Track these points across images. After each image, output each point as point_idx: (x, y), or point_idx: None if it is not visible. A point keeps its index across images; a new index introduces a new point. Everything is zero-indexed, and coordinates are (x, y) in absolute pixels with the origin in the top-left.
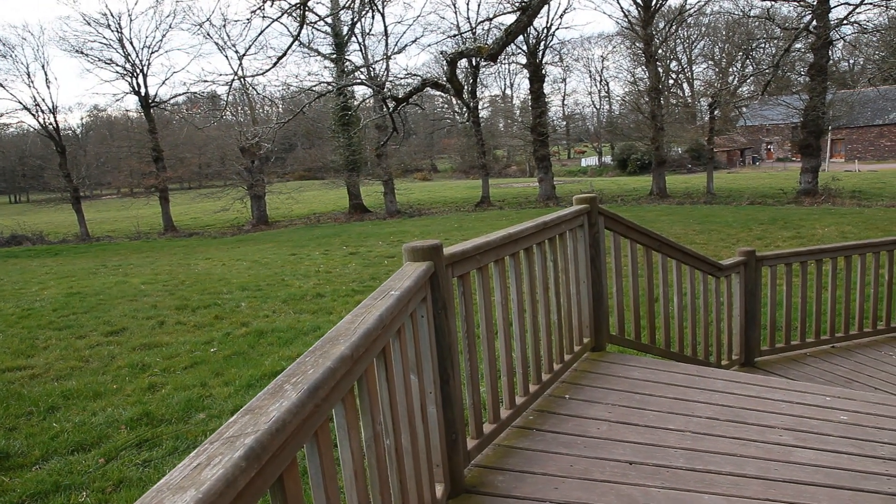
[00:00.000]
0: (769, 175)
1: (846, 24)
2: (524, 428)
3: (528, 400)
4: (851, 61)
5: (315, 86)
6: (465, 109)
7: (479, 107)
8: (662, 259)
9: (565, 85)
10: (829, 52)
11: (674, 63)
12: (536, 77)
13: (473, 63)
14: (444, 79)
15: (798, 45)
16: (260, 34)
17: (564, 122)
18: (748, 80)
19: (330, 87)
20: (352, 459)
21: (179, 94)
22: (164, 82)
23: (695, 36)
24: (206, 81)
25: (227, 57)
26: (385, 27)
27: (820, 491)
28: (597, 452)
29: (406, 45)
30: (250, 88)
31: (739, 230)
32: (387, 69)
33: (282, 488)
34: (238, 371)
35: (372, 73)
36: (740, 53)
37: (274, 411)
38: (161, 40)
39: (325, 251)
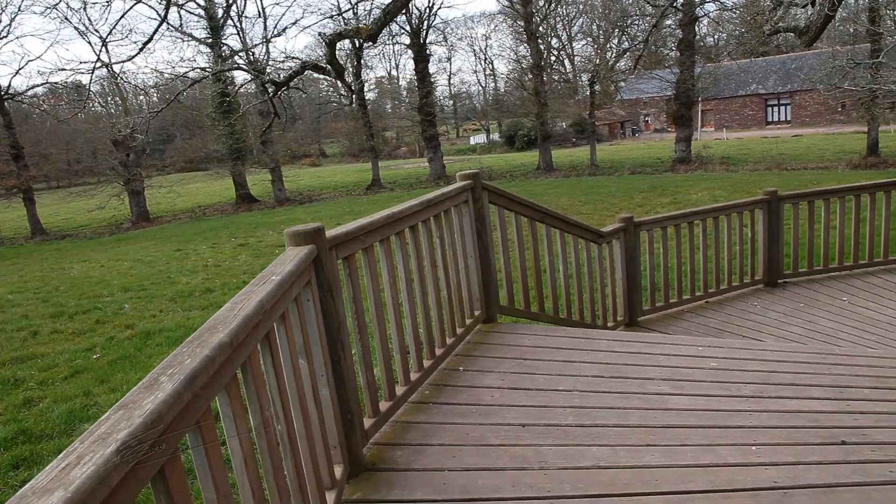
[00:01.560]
0: (648, 145)
1: (709, 1)
2: (421, 402)
3: (422, 375)
4: (716, 37)
5: (189, 72)
6: (349, 92)
7: (365, 89)
8: (547, 230)
9: (450, 64)
10: (696, 28)
11: (554, 40)
12: (421, 57)
13: (356, 44)
14: (325, 61)
15: (668, 22)
16: (122, 16)
17: (451, 102)
18: (625, 56)
19: (206, 73)
20: (240, 448)
21: (38, 85)
22: (17, 72)
23: (573, 13)
24: (65, 70)
25: (89, 42)
26: (262, 9)
27: (693, 432)
28: (491, 419)
29: (286, 28)
30: (119, 76)
31: (622, 199)
32: (266, 53)
33: (164, 481)
34: (125, 376)
35: (251, 58)
36: (616, 30)
37: (149, 404)
38: (9, 25)
39: (213, 244)
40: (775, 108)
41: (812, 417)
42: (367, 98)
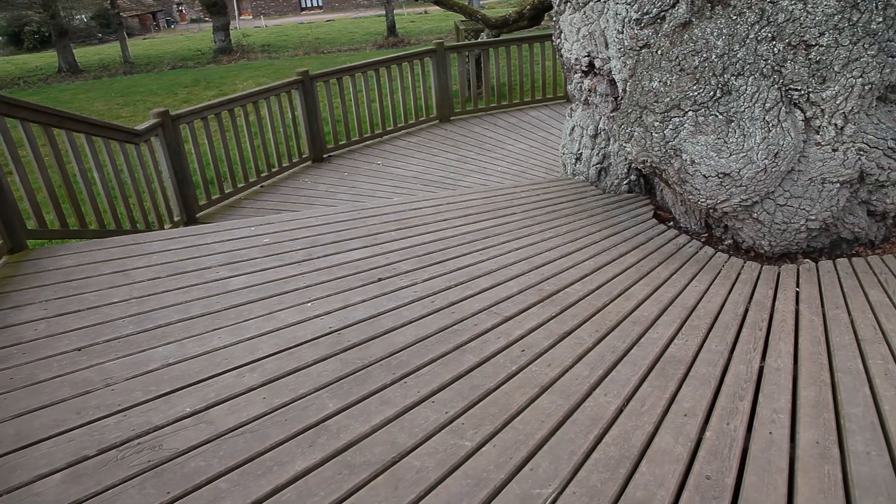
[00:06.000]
0: (186, 37)
1: None
2: None
3: None
4: None
5: None
6: None
7: None
8: (68, 136)
9: None
10: None
11: None
12: None
13: None
14: None
15: None
16: None
17: None
18: None
19: None
20: None
21: None
22: None
23: None
24: None
25: None
26: None
27: (255, 306)
28: (39, 353)
29: None
30: None
31: (165, 97)
32: None
33: None
34: None
35: None
36: None
37: None
38: None
39: None
40: None
41: (354, 265)
42: None
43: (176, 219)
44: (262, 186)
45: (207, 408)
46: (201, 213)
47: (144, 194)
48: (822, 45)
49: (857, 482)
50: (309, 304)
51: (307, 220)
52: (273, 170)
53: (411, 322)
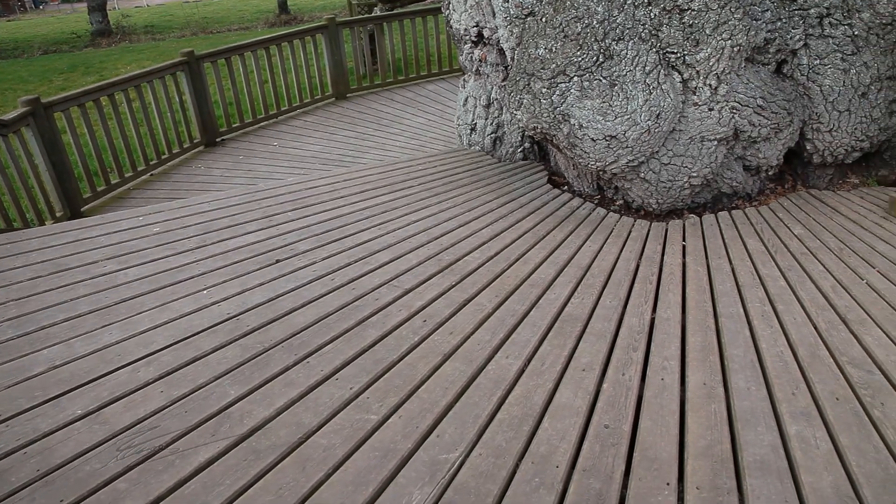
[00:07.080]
0: (57, 19)
1: None
2: None
3: None
4: None
5: None
6: None
7: None
8: None
9: None
10: None
11: None
12: None
13: None
14: None
15: None
16: None
17: None
18: None
19: None
20: None
21: None
22: None
23: None
24: None
25: None
26: None
27: (147, 298)
28: None
29: None
30: None
31: (39, 84)
32: None
33: None
34: None
35: None
36: None
37: None
38: None
39: None
40: None
41: (250, 249)
42: None
43: (59, 214)
44: (151, 175)
45: (101, 408)
46: (87, 207)
47: (20, 191)
48: (693, 10)
49: (739, 416)
50: (205, 292)
51: (199, 206)
52: (163, 157)
53: (311, 301)
